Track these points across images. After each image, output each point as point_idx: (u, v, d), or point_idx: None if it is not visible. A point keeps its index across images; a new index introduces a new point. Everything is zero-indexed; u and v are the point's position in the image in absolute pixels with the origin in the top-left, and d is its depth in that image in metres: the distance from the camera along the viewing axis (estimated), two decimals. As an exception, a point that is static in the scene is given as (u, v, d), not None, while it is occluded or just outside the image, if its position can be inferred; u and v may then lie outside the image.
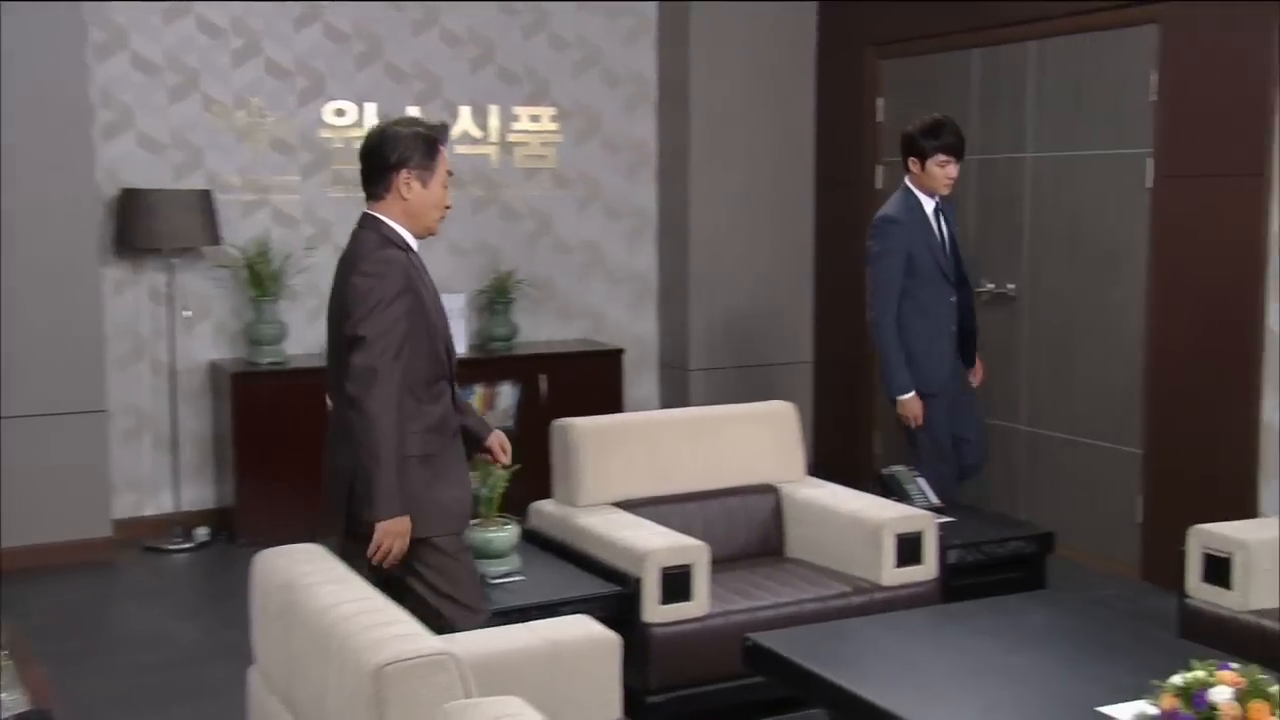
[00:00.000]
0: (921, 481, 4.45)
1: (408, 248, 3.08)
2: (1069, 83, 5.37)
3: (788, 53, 6.58)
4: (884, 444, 6.35)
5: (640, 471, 4.11)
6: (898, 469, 4.47)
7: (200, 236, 5.56)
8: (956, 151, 4.51)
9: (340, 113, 6.04)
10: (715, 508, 4.15)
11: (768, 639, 3.23)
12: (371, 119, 6.04)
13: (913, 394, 4.51)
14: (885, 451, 6.30)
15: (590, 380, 6.16)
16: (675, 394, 6.62)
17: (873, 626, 3.33)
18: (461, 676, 2.20)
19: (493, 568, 3.72)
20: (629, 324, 6.70)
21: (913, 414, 4.52)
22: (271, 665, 2.70)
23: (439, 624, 2.93)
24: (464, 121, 6.26)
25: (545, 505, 4.15)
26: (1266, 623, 3.58)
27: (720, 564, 3.95)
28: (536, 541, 4.04)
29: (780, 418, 4.37)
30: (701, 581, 3.69)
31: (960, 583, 4.05)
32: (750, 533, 4.20)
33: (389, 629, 2.30)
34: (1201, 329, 4.83)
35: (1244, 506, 4.65)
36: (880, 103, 6.33)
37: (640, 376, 6.70)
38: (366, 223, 3.12)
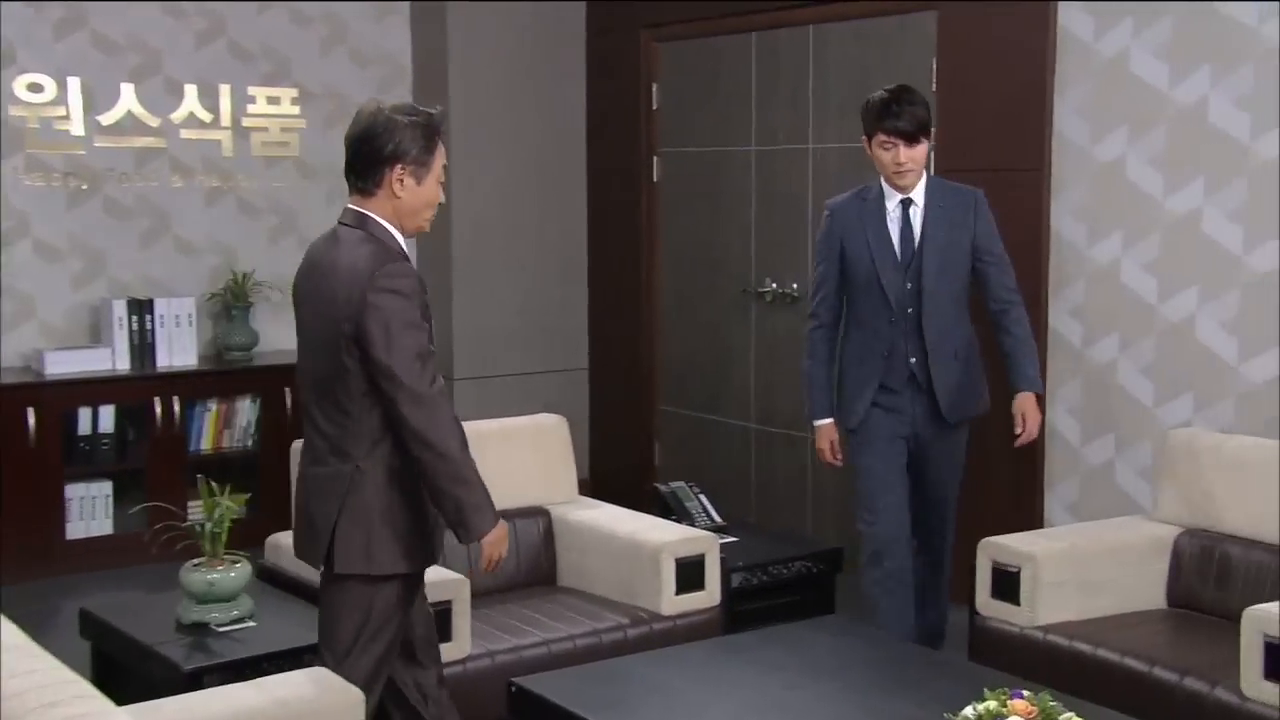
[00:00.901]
0: (704, 498, 4.36)
1: (404, 254, 2.88)
2: (851, 70, 5.40)
3: (555, 34, 6.44)
4: (665, 457, 6.28)
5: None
6: (677, 485, 4.37)
7: None
8: (904, 134, 3.83)
9: (36, 88, 5.55)
10: (477, 535, 3.95)
11: (534, 683, 3.08)
12: (75, 96, 5.58)
13: (828, 421, 4.06)
14: (667, 466, 6.22)
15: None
16: (439, 406, 6.36)
17: (649, 664, 3.22)
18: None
19: (217, 614, 3.44)
20: (387, 328, 6.41)
21: (820, 446, 4.08)
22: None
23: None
24: (189, 103, 5.86)
25: (284, 538, 3.87)
26: (1054, 639, 3.62)
27: (484, 597, 3.80)
28: (273, 581, 3.77)
29: (549, 433, 4.21)
30: (462, 619, 3.50)
31: (745, 608, 3.98)
32: (518, 561, 4.04)
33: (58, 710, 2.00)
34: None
35: (1032, 516, 4.74)
36: (655, 89, 6.25)
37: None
38: (356, 222, 2.89)
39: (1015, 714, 2.50)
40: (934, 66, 5.04)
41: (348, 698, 2.67)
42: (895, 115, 3.84)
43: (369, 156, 2.85)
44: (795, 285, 5.71)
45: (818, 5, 5.44)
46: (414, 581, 2.96)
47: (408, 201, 2.87)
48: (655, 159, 6.28)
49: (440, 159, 2.91)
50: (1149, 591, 3.84)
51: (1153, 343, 4.45)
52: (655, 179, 6.28)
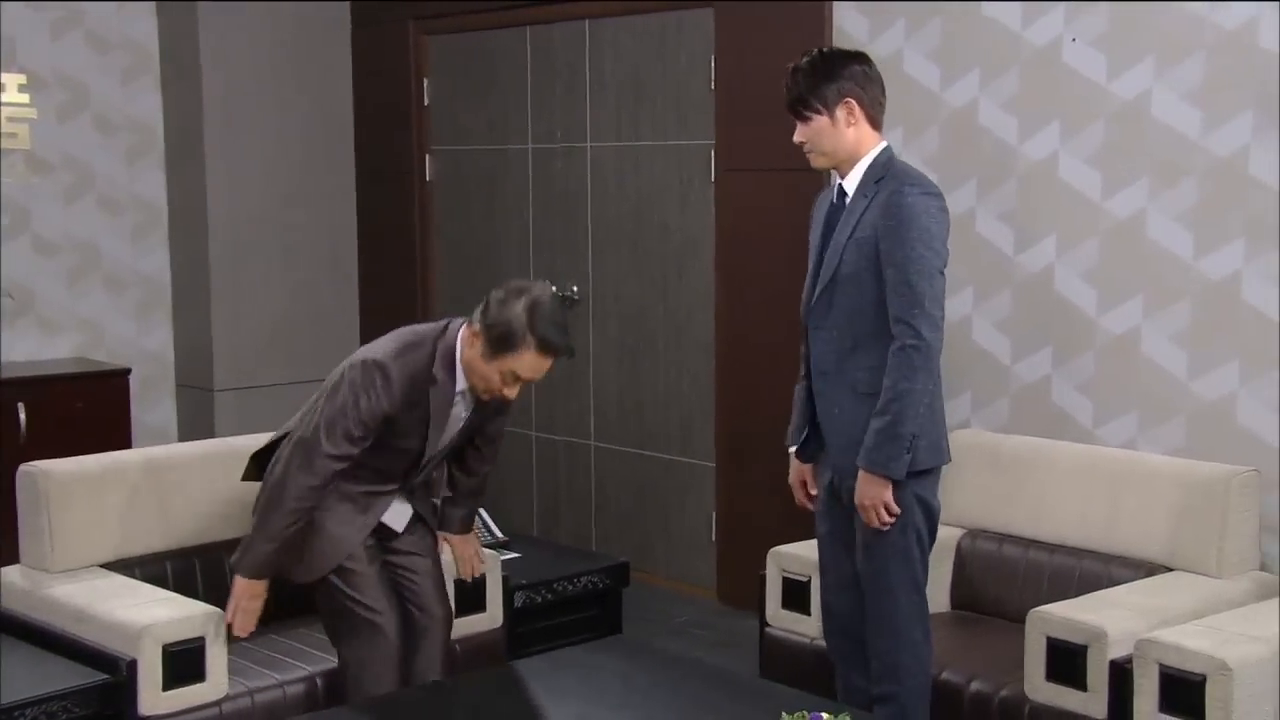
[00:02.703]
0: (483, 513, 4.19)
1: (428, 374, 3.30)
2: (628, 66, 5.32)
3: (318, 23, 6.17)
4: (443, 467, 6.09)
5: (139, 522, 3.60)
6: (455, 500, 4.20)
7: None
8: (789, 110, 3.26)
9: None
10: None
11: (297, 728, 2.85)
12: None
13: (792, 447, 3.41)
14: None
15: (88, 409, 5.47)
16: (199, 420, 6.03)
17: (425, 699, 3.04)
18: None
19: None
20: (136, 338, 6.05)
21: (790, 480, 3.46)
22: None
23: None
24: (-106, 88, 5.36)
25: (10, 573, 3.54)
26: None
27: (243, 630, 3.51)
28: (-3, 622, 3.43)
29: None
30: (218, 657, 3.24)
31: (528, 627, 3.84)
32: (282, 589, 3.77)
33: None
34: (770, 331, 4.90)
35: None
36: (427, 84, 6.05)
37: (154, 401, 6.06)
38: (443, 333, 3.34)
39: (816, 734, 2.44)
40: (713, 64, 5.01)
41: None
42: (786, 87, 3.26)
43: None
44: (575, 288, 5.60)
45: (589, 0, 5.35)
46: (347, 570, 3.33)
47: (469, 360, 3.26)
48: (428, 157, 6.08)
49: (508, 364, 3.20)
50: (934, 594, 3.86)
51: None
52: (428, 178, 6.09)
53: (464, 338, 3.26)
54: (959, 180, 4.35)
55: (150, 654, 3.14)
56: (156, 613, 3.22)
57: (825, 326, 3.21)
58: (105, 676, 3.13)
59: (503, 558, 3.91)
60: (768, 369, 4.93)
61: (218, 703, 3.23)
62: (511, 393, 3.26)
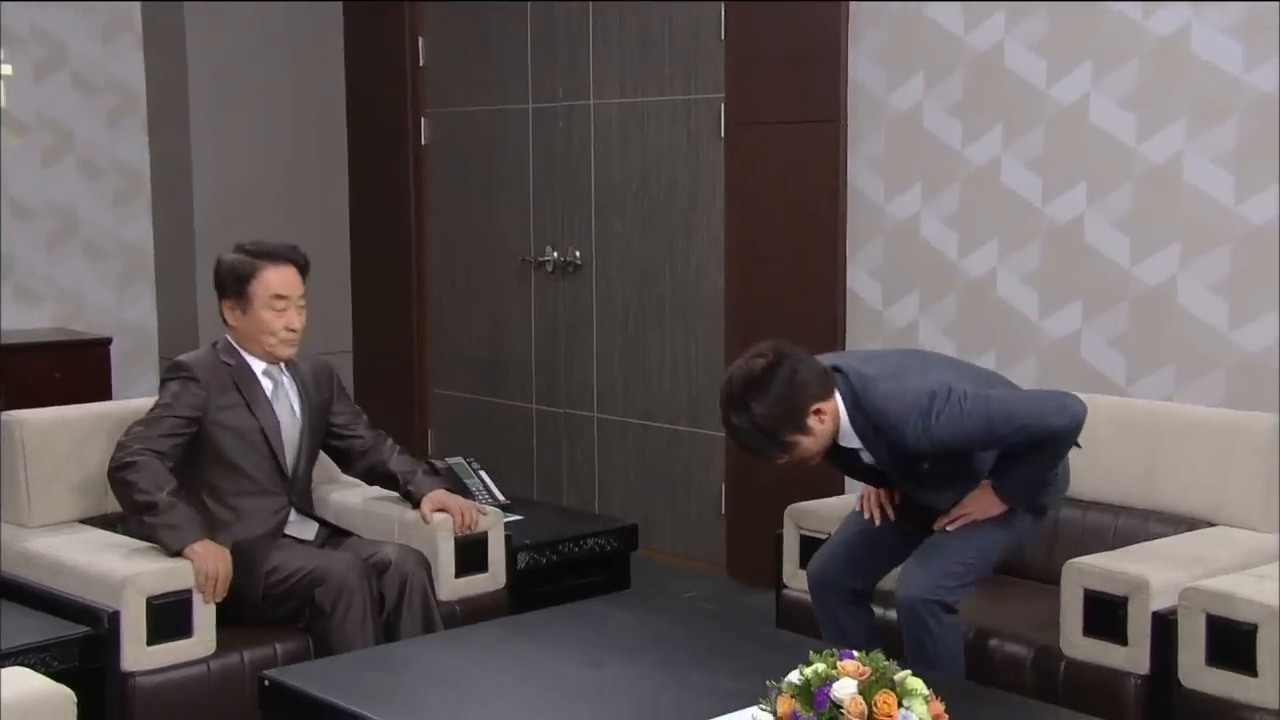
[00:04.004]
0: (484, 475, 4.09)
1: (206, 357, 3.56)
2: (636, 19, 5.22)
3: (309, -17, 6.09)
4: (439, 444, 5.98)
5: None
6: (455, 460, 4.10)
7: None
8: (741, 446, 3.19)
9: None
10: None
11: (291, 675, 2.75)
12: None
13: None
14: (442, 453, 5.93)
15: (68, 379, 5.36)
16: (181, 395, 5.91)
17: (426, 649, 2.96)
18: None
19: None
20: (118, 309, 5.93)
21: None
22: None
23: None
24: None
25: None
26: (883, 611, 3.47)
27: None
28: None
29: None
30: (205, 611, 3.14)
31: (533, 591, 3.73)
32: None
33: None
34: (783, 293, 4.80)
35: (834, 489, 4.64)
36: (422, 43, 5.96)
37: (136, 375, 5.95)
38: None
39: (847, 674, 2.32)
40: (723, 14, 4.91)
41: (53, 696, 2.41)
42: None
43: None
44: (578, 254, 5.49)
45: (598, -51, 5.27)
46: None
47: (240, 327, 3.43)
48: (423, 120, 5.99)
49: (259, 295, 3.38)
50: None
51: (954, 301, 4.41)
52: (424, 142, 5.99)
53: (226, 327, 3.46)
54: (985, 125, 4.26)
55: (134, 606, 3.03)
56: (140, 564, 3.12)
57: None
58: (86, 629, 3.02)
59: (505, 520, 3.80)
60: (781, 334, 4.80)
61: (205, 660, 3.13)
62: (295, 320, 3.41)
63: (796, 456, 3.05)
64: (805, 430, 3.00)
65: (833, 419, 3.03)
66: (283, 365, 3.48)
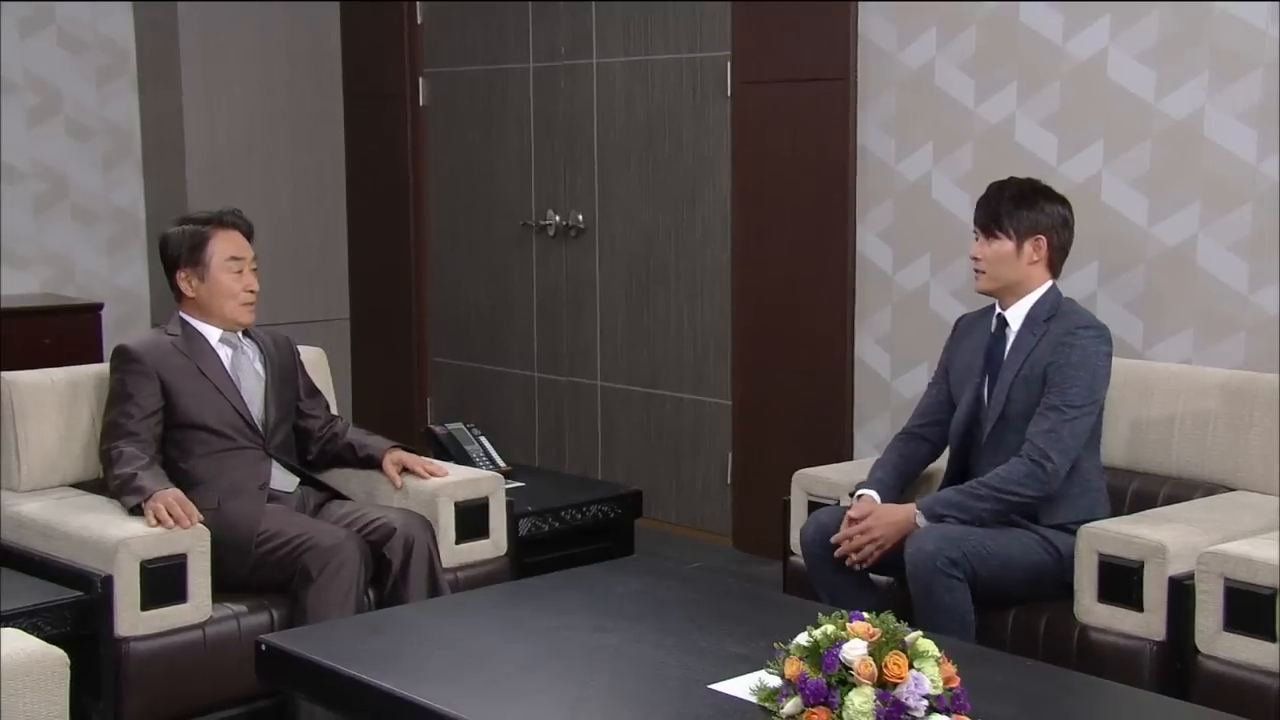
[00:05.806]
0: (485, 441, 4.10)
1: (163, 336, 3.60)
2: (638, -25, 5.21)
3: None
4: (439, 412, 6.00)
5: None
6: (455, 426, 4.11)
7: None
8: (977, 222, 3.47)
9: None
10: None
11: (288, 639, 2.77)
12: None
13: (872, 492, 3.49)
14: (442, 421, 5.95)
15: (57, 346, 5.36)
16: (174, 363, 5.92)
17: (426, 613, 2.98)
18: None
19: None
20: (109, 274, 5.93)
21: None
22: None
23: None
24: None
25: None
26: (877, 576, 3.49)
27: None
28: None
29: (309, 366, 3.89)
30: (201, 576, 3.15)
31: (536, 558, 3.75)
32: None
33: None
34: (791, 257, 4.79)
35: (841, 451, 4.65)
36: (419, 3, 5.94)
37: (127, 338, 5.94)
38: None
39: (857, 636, 2.33)
40: (729, -32, 4.90)
41: (47, 659, 2.45)
42: (982, 200, 3.44)
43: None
44: (580, 217, 5.49)
45: (601, -98, 5.24)
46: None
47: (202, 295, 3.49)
48: (421, 80, 5.97)
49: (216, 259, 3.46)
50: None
51: (966, 265, 4.39)
52: (422, 103, 5.98)
53: (182, 300, 3.51)
54: (999, 83, 4.25)
55: (127, 570, 3.05)
56: (134, 527, 3.13)
57: (997, 461, 3.32)
58: (79, 594, 3.02)
59: (507, 486, 3.81)
60: (789, 300, 4.82)
61: (200, 625, 3.14)
62: (253, 281, 3.50)
63: (987, 252, 3.36)
64: (1020, 240, 3.34)
65: (1041, 263, 3.36)
66: (240, 334, 3.53)
